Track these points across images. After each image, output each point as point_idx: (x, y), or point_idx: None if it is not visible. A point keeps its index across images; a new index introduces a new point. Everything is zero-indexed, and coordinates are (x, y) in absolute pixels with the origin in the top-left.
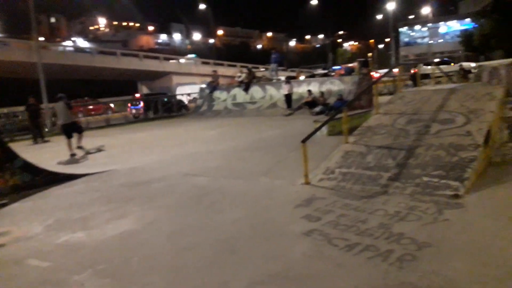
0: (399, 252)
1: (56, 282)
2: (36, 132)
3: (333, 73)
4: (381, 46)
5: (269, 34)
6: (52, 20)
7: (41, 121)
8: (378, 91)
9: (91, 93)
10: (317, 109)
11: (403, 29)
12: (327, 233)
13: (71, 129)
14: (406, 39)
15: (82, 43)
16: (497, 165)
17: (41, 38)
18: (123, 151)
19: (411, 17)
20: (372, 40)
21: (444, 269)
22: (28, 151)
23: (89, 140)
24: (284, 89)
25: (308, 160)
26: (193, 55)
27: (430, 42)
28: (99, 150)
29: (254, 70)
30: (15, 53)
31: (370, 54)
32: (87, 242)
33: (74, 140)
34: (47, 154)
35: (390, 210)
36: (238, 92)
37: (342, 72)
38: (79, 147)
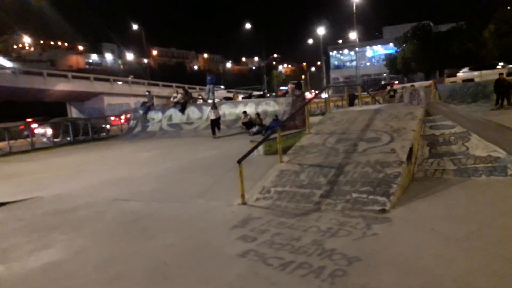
0: (331, 268)
1: None
2: None
3: (268, 94)
4: (313, 68)
5: (205, 55)
6: None
7: None
8: (311, 112)
9: (13, 116)
10: (254, 129)
11: (333, 53)
12: (262, 253)
13: None
14: (336, 62)
15: (4, 62)
16: (420, 180)
17: None
18: (48, 177)
19: (340, 41)
20: (304, 63)
21: (373, 282)
22: None
23: (11, 165)
24: (212, 114)
25: (245, 180)
26: None
27: (358, 65)
28: None
29: (190, 90)
30: None
31: (303, 77)
32: (5, 277)
33: None
34: None
35: (322, 226)
36: (174, 112)
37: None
38: None
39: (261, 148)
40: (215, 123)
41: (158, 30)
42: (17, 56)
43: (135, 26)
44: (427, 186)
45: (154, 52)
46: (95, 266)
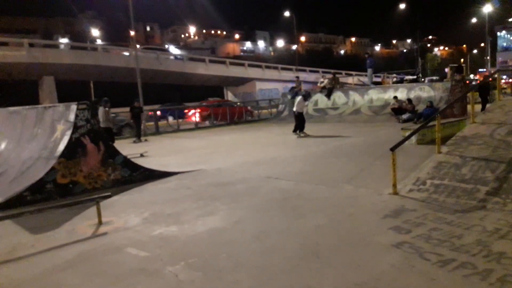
0: (500, 272)
1: (153, 272)
2: (137, 131)
3: (422, 79)
4: (475, 51)
5: (353, 39)
6: (148, 28)
7: (142, 122)
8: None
9: (180, 98)
10: (405, 116)
11: (501, 33)
12: (418, 247)
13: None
14: (505, 44)
15: (173, 50)
16: None
17: (137, 46)
18: (210, 152)
19: (511, 20)
20: (464, 45)
21: None
22: (127, 149)
23: (179, 141)
24: (298, 106)
25: (396, 169)
26: None
27: None
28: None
29: (337, 75)
30: (114, 59)
31: (462, 60)
32: (179, 236)
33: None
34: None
35: (488, 226)
36: (320, 97)
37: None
38: None
39: (413, 137)
40: (297, 118)
41: (307, 16)
42: (184, 45)
43: (286, 13)
44: None
45: (302, 38)
46: (253, 236)
